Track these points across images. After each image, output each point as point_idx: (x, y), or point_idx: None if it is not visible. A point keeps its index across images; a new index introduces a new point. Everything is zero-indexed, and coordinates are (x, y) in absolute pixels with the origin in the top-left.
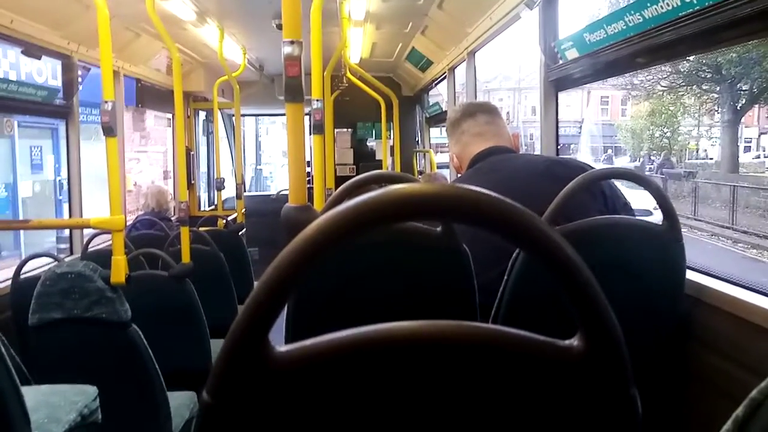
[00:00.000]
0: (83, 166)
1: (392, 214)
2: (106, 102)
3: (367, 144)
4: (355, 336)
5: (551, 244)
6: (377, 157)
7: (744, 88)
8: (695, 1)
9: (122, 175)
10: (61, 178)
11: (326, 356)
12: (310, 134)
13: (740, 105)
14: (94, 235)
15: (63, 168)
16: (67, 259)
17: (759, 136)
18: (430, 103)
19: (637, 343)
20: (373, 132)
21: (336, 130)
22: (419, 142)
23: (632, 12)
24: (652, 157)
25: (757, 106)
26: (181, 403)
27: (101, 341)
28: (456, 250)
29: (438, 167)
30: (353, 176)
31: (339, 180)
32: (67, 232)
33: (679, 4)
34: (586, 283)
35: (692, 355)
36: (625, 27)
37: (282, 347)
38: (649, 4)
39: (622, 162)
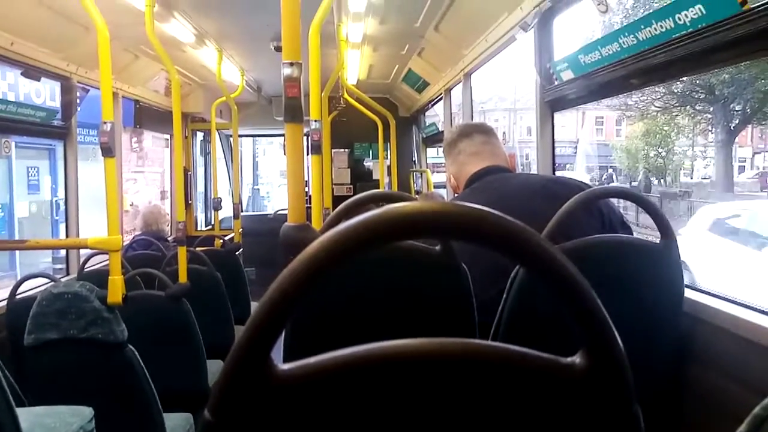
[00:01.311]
0: (80, 186)
1: (397, 232)
2: (105, 123)
3: (364, 164)
4: (358, 353)
5: (554, 262)
6: (374, 177)
7: (737, 109)
8: (688, 23)
9: (120, 196)
10: (57, 199)
11: (330, 374)
12: (308, 154)
13: (734, 125)
14: (91, 255)
15: (59, 188)
16: (63, 280)
17: (753, 155)
18: (427, 124)
19: (636, 361)
20: (370, 152)
21: (333, 150)
22: (416, 162)
23: (626, 34)
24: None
25: (750, 126)
26: (177, 424)
27: (97, 362)
28: (455, 269)
29: (435, 187)
30: (350, 196)
31: (336, 200)
32: (62, 252)
33: (672, 26)
34: (590, 301)
35: (692, 373)
36: (619, 49)
37: (285, 365)
38: (642, 26)
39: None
